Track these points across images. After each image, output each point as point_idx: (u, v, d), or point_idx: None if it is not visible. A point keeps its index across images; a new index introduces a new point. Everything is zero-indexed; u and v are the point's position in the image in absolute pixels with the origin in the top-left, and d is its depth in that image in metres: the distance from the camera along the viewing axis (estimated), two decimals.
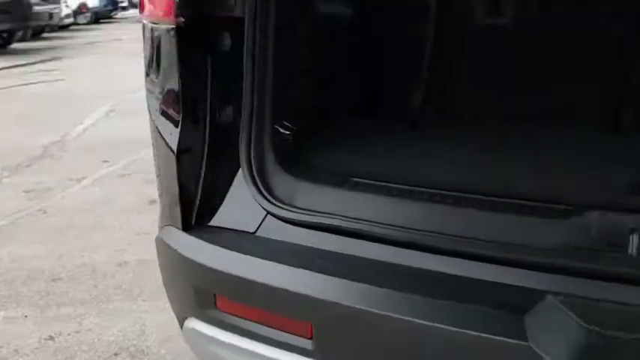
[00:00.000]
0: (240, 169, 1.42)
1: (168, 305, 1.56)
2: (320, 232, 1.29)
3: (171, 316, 1.57)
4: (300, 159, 1.51)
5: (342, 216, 1.28)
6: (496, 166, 1.44)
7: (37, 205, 3.72)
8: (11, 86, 7.85)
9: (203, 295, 1.34)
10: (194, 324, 1.40)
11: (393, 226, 1.23)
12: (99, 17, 19.35)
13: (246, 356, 1.29)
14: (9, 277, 2.83)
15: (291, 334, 1.23)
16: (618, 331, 1.00)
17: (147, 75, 1.50)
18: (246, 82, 1.40)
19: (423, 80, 1.84)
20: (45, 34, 14.19)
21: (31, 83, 8.02)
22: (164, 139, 1.43)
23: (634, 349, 0.98)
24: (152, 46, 1.45)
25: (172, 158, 1.40)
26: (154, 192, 1.71)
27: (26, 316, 2.51)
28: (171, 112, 1.41)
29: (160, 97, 1.44)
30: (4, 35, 11.65)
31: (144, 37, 1.50)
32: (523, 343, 0.99)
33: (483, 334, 1.03)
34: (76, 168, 4.39)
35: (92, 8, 18.76)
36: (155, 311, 2.46)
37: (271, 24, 1.41)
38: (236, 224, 1.38)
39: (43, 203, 3.75)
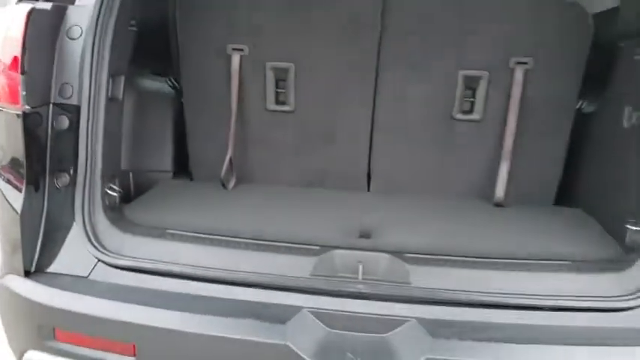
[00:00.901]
0: (75, 225, 1.76)
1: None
2: (140, 274, 1.68)
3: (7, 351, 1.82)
4: (125, 216, 1.89)
5: (158, 260, 1.69)
6: (273, 217, 1.94)
7: None
8: None
9: (43, 330, 1.65)
10: (34, 355, 1.69)
11: (196, 266, 1.66)
12: None
13: None
14: None
15: (120, 354, 1.60)
16: (350, 332, 1.53)
17: None
18: (81, 154, 1.76)
19: (229, 144, 2.31)
20: None
21: None
22: (8, 202, 1.72)
23: (360, 342, 1.51)
24: None
25: (16, 218, 1.70)
26: None
27: None
28: (15, 179, 1.71)
29: (6, 166, 1.73)
30: None
31: None
32: (283, 342, 1.47)
33: (259, 339, 1.50)
34: None
35: None
36: None
37: (101, 108, 1.79)
38: (71, 270, 1.71)
39: None
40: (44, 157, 1.74)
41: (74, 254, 1.73)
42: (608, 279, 1.64)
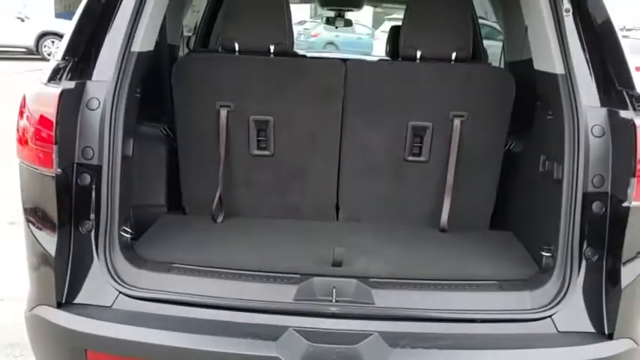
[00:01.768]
0: (97, 262, 2.13)
1: None
2: (154, 303, 2.07)
3: None
4: (137, 253, 2.26)
5: (168, 291, 2.08)
6: (261, 250, 2.35)
7: None
8: None
9: (76, 353, 2.02)
10: None
11: (200, 295, 2.06)
12: None
13: None
14: None
15: None
16: (327, 344, 1.95)
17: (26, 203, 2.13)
18: (103, 205, 2.13)
19: (218, 184, 2.70)
20: None
21: None
22: (42, 245, 2.08)
23: (335, 353, 1.93)
24: (31, 184, 2.10)
25: (49, 259, 2.06)
26: None
27: None
28: (48, 227, 2.07)
29: (39, 216, 2.09)
30: None
31: (21, 174, 2.14)
32: (275, 355, 1.89)
33: (255, 353, 1.91)
34: None
35: None
36: None
37: (117, 166, 2.17)
38: (97, 301, 2.08)
39: None
40: (70, 208, 2.10)
41: (98, 287, 2.10)
42: (525, 296, 2.11)
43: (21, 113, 2.13)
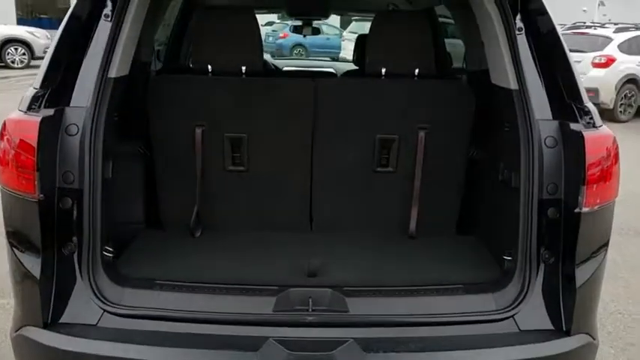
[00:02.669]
0: (81, 282, 2.20)
1: None
2: (138, 320, 2.15)
3: None
4: (119, 271, 2.35)
5: (151, 308, 2.17)
6: (239, 263, 2.46)
7: None
8: None
9: None
10: None
11: (182, 310, 2.15)
12: None
13: None
14: None
15: None
16: (306, 352, 2.06)
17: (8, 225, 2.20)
18: (85, 228, 2.21)
19: (196, 199, 2.79)
20: None
21: None
22: (26, 268, 2.15)
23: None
24: (14, 208, 2.17)
25: (34, 282, 2.13)
26: None
27: None
28: (32, 251, 2.14)
29: (23, 240, 2.16)
30: None
31: (2, 198, 2.21)
32: None
33: None
34: None
35: None
36: None
37: (98, 189, 2.25)
38: (83, 320, 2.16)
39: None
40: (53, 232, 2.17)
41: (83, 307, 2.18)
42: (489, 298, 2.26)
43: (1, 137, 2.19)
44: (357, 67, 4.75)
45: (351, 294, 2.25)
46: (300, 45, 20.86)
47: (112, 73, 2.29)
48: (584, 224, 2.16)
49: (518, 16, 2.35)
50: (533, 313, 2.21)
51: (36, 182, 2.09)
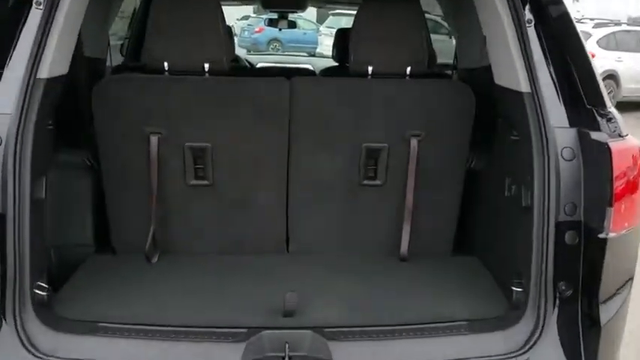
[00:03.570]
0: (6, 327, 1.80)
1: None
2: None
3: None
4: (55, 311, 1.95)
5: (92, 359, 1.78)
6: (200, 299, 2.07)
7: None
8: None
9: None
10: None
11: None
12: None
13: None
14: None
15: None
16: None
17: None
18: (9, 258, 1.81)
19: (151, 219, 2.40)
20: None
21: None
22: None
23: None
24: None
25: None
26: None
27: None
28: None
29: None
30: None
31: None
32: None
33: None
34: None
35: None
36: None
37: (26, 212, 1.85)
38: None
39: None
40: None
41: (7, 359, 1.79)
42: (498, 337, 1.92)
43: None
44: (337, 64, 4.39)
45: (335, 336, 1.89)
46: (276, 40, 20.40)
47: (44, 72, 1.89)
48: (609, 252, 1.83)
49: (527, 6, 2.01)
50: (550, 357, 1.87)
51: None
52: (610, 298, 1.89)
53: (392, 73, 2.39)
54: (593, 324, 1.87)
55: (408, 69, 2.38)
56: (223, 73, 2.35)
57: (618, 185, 1.81)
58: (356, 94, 2.38)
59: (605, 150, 1.81)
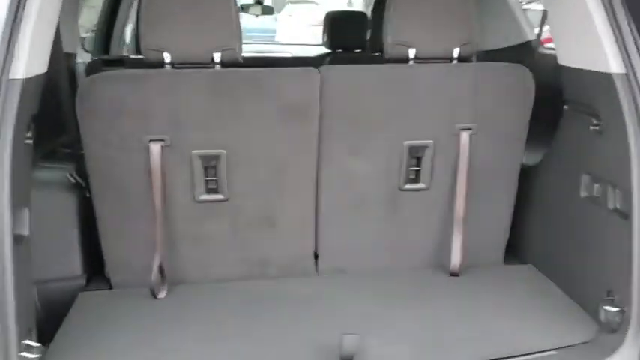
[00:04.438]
0: None
1: None
2: None
3: None
4: None
5: None
6: (225, 347, 1.68)
7: None
8: None
9: None
10: None
11: None
12: None
13: None
14: None
15: None
16: None
17: None
18: None
19: (156, 245, 1.97)
20: None
21: None
22: None
23: None
24: None
25: None
26: None
27: None
28: None
29: None
30: None
31: None
32: None
33: None
34: None
35: None
36: None
37: (6, 253, 1.41)
38: None
39: None
40: None
41: None
42: None
43: None
44: (329, 50, 4.01)
45: None
46: None
47: (19, 72, 1.44)
48: None
49: None
50: None
51: None
52: None
53: (437, 57, 2.02)
54: None
55: (456, 51, 2.01)
56: (237, 64, 1.93)
57: None
58: (396, 82, 1.99)
59: None
